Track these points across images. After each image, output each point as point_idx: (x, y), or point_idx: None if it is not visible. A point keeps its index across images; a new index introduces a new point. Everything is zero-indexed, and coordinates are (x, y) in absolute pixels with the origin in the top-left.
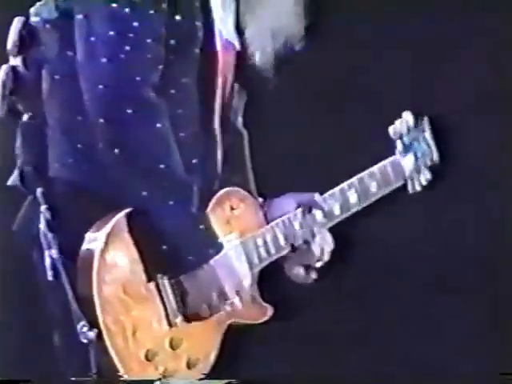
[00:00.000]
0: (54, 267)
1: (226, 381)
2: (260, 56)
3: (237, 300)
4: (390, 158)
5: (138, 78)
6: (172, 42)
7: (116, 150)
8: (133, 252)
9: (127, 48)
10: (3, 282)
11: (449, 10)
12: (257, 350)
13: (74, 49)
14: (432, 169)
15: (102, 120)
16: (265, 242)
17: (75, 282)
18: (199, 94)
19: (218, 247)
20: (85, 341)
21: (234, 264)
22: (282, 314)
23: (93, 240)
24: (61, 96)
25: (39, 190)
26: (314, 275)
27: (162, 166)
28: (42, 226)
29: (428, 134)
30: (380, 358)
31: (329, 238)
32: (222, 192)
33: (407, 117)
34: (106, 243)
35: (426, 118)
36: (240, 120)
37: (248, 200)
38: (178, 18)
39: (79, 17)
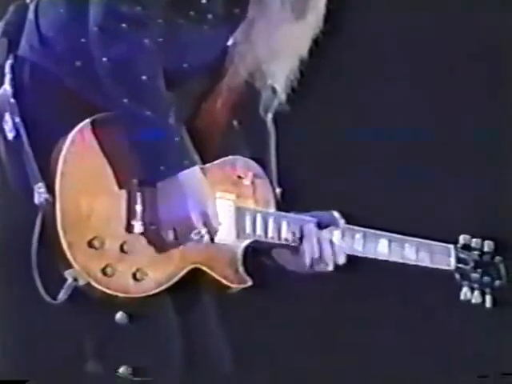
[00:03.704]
0: (15, 128)
1: None
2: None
3: (204, 231)
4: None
5: None
6: None
7: (104, 59)
8: (101, 157)
9: None
10: None
11: None
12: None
13: None
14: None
15: (95, 28)
16: (265, 222)
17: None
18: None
19: (193, 160)
20: (37, 202)
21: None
22: (260, 291)
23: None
24: None
25: (9, 62)
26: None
27: (143, 78)
28: (7, 89)
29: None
30: (380, 358)
31: (341, 252)
32: (232, 157)
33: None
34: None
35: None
36: (270, 116)
37: (262, 179)
38: None
39: None
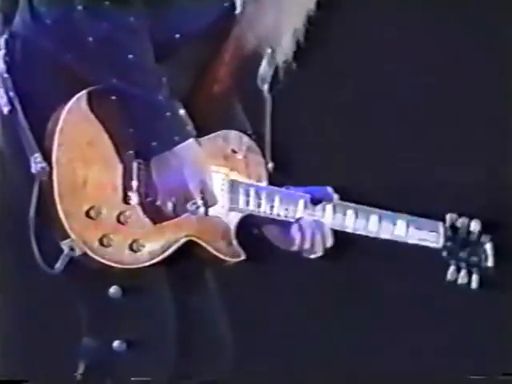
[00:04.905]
0: (10, 102)
1: None
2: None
3: (200, 202)
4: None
5: None
6: None
7: (90, 38)
8: (98, 127)
9: None
10: None
11: None
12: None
13: None
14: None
15: (80, 7)
16: (258, 197)
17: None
18: None
19: (184, 135)
20: (34, 171)
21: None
22: (253, 264)
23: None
24: None
25: (4, 37)
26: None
27: (130, 56)
28: (0, 65)
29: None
30: (379, 358)
31: (330, 235)
32: (225, 131)
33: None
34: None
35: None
36: (266, 87)
37: (255, 153)
38: None
39: None
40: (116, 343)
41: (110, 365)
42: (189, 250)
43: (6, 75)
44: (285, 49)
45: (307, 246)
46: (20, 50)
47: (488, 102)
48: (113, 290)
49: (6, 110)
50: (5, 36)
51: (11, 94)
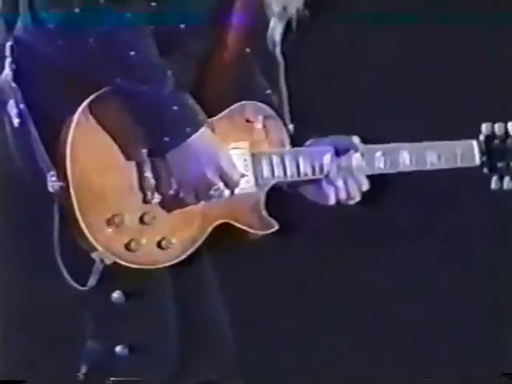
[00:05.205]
0: (20, 115)
1: None
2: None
3: (222, 185)
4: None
5: None
6: None
7: (90, 40)
8: (106, 134)
9: None
10: None
11: None
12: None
13: None
14: None
15: (77, 10)
16: (282, 162)
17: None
18: None
19: (196, 125)
20: (51, 191)
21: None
22: (288, 233)
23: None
24: None
25: (8, 44)
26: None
27: (132, 53)
28: (8, 75)
29: None
30: (378, 358)
31: (363, 178)
32: (239, 104)
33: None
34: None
35: None
36: (278, 49)
37: (273, 119)
38: None
39: None
40: (118, 348)
41: (111, 368)
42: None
43: (13, 84)
44: (291, 4)
45: (343, 195)
46: (25, 58)
47: None
48: (115, 295)
49: (16, 121)
50: (9, 43)
51: (21, 105)
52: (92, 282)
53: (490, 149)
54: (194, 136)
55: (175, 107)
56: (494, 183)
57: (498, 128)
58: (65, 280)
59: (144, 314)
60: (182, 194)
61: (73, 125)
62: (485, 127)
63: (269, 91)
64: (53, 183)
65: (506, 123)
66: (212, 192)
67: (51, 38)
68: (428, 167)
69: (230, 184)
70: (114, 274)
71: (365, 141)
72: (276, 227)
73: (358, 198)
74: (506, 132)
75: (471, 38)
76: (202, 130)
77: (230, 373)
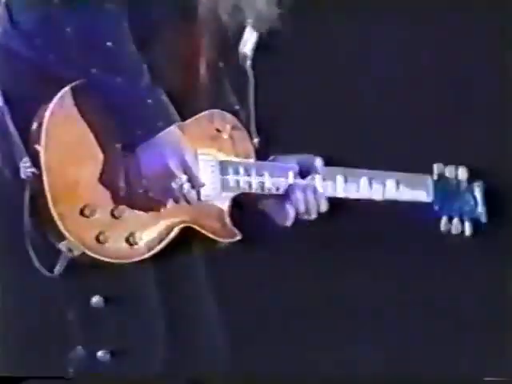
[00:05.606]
0: None
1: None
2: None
3: (184, 179)
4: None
5: None
6: None
7: (67, 29)
8: (82, 124)
9: None
10: None
11: None
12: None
13: None
14: None
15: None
16: (248, 174)
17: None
18: None
19: (168, 121)
20: (23, 177)
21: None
22: (249, 243)
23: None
24: None
25: None
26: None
27: (108, 44)
28: None
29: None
30: (376, 358)
31: (324, 199)
32: (208, 112)
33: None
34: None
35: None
36: (249, 64)
37: (240, 130)
38: None
39: None
40: (100, 353)
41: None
42: (177, 249)
43: None
44: (264, 15)
45: (302, 208)
46: (4, 61)
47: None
48: (95, 299)
49: None
50: None
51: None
52: (59, 269)
53: (443, 187)
54: (163, 131)
55: (149, 100)
56: (443, 226)
57: (449, 171)
58: (35, 267)
59: (128, 316)
60: (149, 190)
61: (48, 112)
62: (436, 167)
63: (237, 107)
64: (25, 169)
65: (456, 167)
66: (173, 185)
67: (31, 39)
68: (384, 198)
69: (193, 180)
70: (93, 274)
71: (327, 162)
72: (238, 237)
73: (314, 216)
74: (456, 176)
75: (440, 72)
76: (172, 127)
77: (217, 372)
